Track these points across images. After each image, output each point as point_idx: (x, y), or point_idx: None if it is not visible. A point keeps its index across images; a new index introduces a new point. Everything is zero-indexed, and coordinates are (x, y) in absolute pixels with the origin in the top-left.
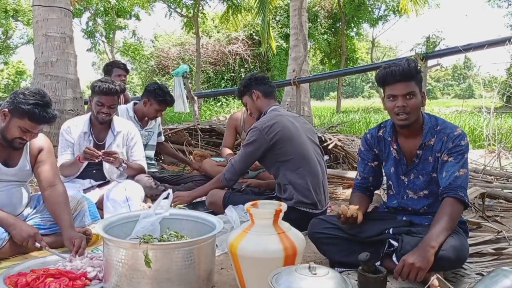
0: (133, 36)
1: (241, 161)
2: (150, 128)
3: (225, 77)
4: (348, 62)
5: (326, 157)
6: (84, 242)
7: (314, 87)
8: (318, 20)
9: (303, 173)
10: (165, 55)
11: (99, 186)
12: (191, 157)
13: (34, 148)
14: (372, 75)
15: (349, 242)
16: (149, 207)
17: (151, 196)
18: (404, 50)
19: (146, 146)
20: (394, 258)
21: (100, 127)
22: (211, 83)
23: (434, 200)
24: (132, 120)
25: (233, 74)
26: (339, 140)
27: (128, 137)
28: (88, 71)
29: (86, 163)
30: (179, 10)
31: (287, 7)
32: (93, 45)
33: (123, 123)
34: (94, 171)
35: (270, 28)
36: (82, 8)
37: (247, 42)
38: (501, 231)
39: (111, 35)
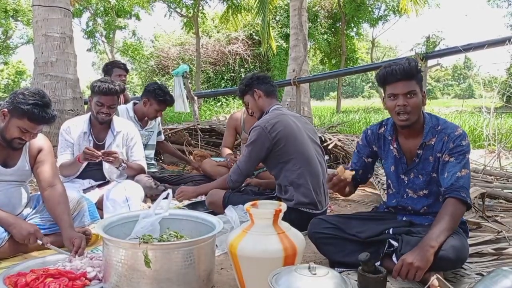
0: (133, 36)
1: (246, 161)
2: (150, 128)
3: (225, 77)
4: (348, 62)
5: (326, 157)
6: (84, 242)
7: (314, 87)
8: (318, 20)
9: (304, 173)
10: (165, 55)
11: (99, 186)
12: (191, 157)
13: (34, 148)
14: (372, 75)
15: (349, 242)
16: (149, 207)
17: (151, 196)
18: (404, 50)
19: (146, 146)
20: (394, 258)
21: (100, 127)
22: (211, 83)
23: (434, 200)
24: (132, 120)
25: (233, 74)
26: (339, 140)
27: (128, 137)
28: (88, 71)
29: (85, 163)
30: (179, 10)
31: (287, 7)
32: (93, 45)
33: (123, 123)
34: (94, 171)
35: (270, 28)
36: (82, 8)
37: (247, 42)
38: (501, 231)
39: (111, 35)
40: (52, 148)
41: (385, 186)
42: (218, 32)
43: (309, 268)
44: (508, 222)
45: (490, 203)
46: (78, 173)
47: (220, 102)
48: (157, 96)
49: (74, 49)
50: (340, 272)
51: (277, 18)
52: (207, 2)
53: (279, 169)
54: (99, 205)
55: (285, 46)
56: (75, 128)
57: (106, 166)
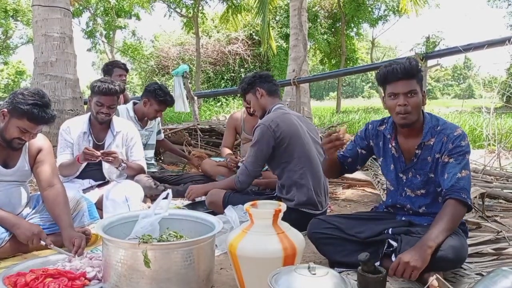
0: (133, 36)
1: (253, 162)
2: (150, 127)
3: (225, 77)
4: (348, 62)
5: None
6: (84, 242)
7: (314, 87)
8: (318, 20)
9: (305, 173)
10: (165, 55)
11: (99, 186)
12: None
13: (33, 148)
14: (372, 75)
15: (348, 242)
16: (149, 207)
17: (150, 196)
18: (404, 50)
19: (145, 145)
20: (393, 258)
21: (100, 127)
22: (211, 83)
23: (432, 200)
24: (132, 120)
25: (233, 74)
26: None
27: (128, 137)
28: (88, 71)
29: (85, 163)
30: (179, 10)
31: (287, 7)
32: (93, 45)
33: (123, 123)
34: (94, 171)
35: (270, 28)
36: (82, 8)
37: (247, 42)
38: (500, 231)
39: (111, 35)
40: (52, 148)
41: (384, 186)
42: (218, 32)
43: (308, 268)
44: (507, 222)
45: (490, 203)
46: (78, 173)
47: (220, 102)
48: (157, 97)
49: (74, 49)
50: (339, 272)
51: (277, 18)
52: (207, 2)
53: (282, 169)
54: (99, 205)
55: (285, 46)
56: (74, 128)
57: (105, 166)
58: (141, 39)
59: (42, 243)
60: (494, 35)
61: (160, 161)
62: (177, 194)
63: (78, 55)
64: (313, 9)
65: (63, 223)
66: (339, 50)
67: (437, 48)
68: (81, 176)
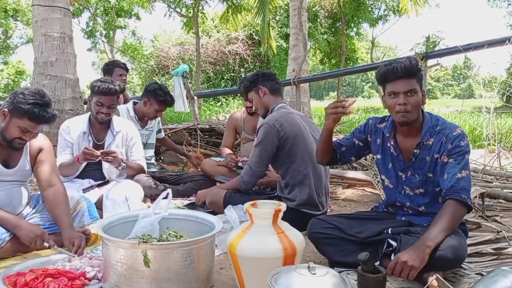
0: (132, 36)
1: (257, 161)
2: (150, 127)
3: (225, 77)
4: (348, 62)
5: None
6: (84, 242)
7: (314, 87)
8: (318, 20)
9: (309, 174)
10: (165, 55)
11: (99, 186)
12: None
13: (34, 148)
14: (372, 75)
15: (348, 242)
16: (148, 207)
17: (150, 196)
18: (404, 50)
19: (145, 144)
20: (393, 258)
21: (100, 127)
22: (211, 83)
23: (431, 200)
24: (132, 120)
25: (233, 74)
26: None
27: (128, 137)
28: (88, 71)
29: (85, 163)
30: (179, 10)
31: (287, 7)
32: (93, 45)
33: (123, 123)
34: (94, 171)
35: (270, 28)
36: (81, 8)
37: (247, 42)
38: (500, 231)
39: (111, 35)
40: (52, 148)
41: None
42: (218, 32)
43: (308, 268)
44: (507, 222)
45: (489, 203)
46: (78, 173)
47: (220, 102)
48: (158, 96)
49: (73, 48)
50: (339, 272)
51: (277, 18)
52: (207, 2)
53: (286, 169)
54: (99, 205)
55: (285, 46)
56: (74, 128)
57: (105, 166)
58: (141, 39)
59: (46, 244)
60: (494, 35)
61: (160, 161)
62: (177, 194)
63: (78, 55)
64: (313, 9)
65: (63, 223)
66: (339, 50)
67: (437, 48)
68: (81, 176)
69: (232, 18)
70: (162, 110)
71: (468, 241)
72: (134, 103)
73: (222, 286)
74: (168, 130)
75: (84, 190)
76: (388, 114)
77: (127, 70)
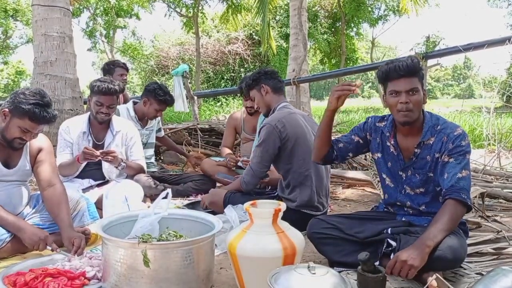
0: (132, 36)
1: (258, 162)
2: (150, 127)
3: (225, 77)
4: (348, 62)
5: None
6: (84, 242)
7: (314, 87)
8: (318, 20)
9: (310, 175)
10: (165, 54)
11: (98, 185)
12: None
13: (34, 148)
14: (372, 75)
15: (347, 242)
16: (148, 206)
17: (150, 196)
18: (404, 50)
19: (146, 144)
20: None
21: (99, 127)
22: (210, 83)
23: (432, 199)
24: (132, 120)
25: (233, 74)
26: None
27: (127, 136)
28: (88, 71)
29: (85, 163)
30: (178, 10)
31: (287, 7)
32: (93, 45)
33: (122, 122)
34: (93, 171)
35: (270, 28)
36: (81, 7)
37: (247, 42)
38: (500, 231)
39: (111, 35)
40: (52, 148)
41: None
42: (218, 32)
43: (308, 267)
44: (507, 222)
45: (490, 203)
46: (78, 173)
47: (220, 102)
48: (157, 96)
49: (73, 48)
50: (339, 272)
51: (277, 18)
52: (207, 2)
53: (287, 170)
54: (99, 205)
55: (285, 46)
56: (74, 128)
57: (105, 165)
58: (141, 39)
59: (48, 248)
60: (494, 35)
61: (160, 161)
62: (177, 194)
63: (78, 55)
64: (313, 9)
65: (62, 223)
66: (339, 50)
67: (437, 48)
68: (81, 175)
69: (232, 18)
70: (162, 109)
71: (468, 241)
72: (134, 103)
73: (222, 286)
74: (168, 130)
75: (84, 190)
76: (388, 113)
77: (127, 69)
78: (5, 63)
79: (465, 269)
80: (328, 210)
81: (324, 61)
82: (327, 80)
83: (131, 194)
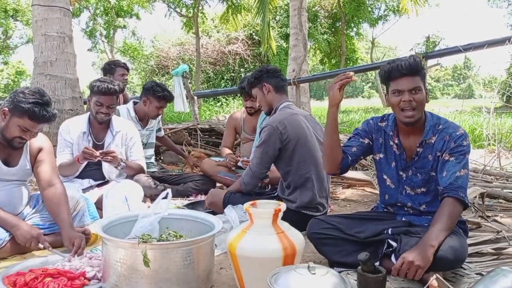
0: (132, 36)
1: (258, 163)
2: (150, 127)
3: (225, 77)
4: (348, 62)
5: None
6: (84, 242)
7: (314, 87)
8: (318, 20)
9: (311, 176)
10: (165, 55)
11: (98, 185)
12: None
13: (34, 147)
14: (372, 75)
15: (347, 242)
16: (148, 207)
17: (150, 196)
18: (404, 50)
19: (146, 144)
20: (393, 259)
21: (99, 127)
22: (210, 83)
23: (432, 199)
24: (133, 120)
25: (233, 74)
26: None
27: (127, 137)
28: (88, 71)
29: (85, 163)
30: (178, 10)
31: (287, 7)
32: (93, 45)
33: (122, 123)
34: (93, 171)
35: (270, 28)
36: (81, 7)
37: (247, 42)
38: (500, 231)
39: (111, 35)
40: (52, 148)
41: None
42: (218, 32)
43: (308, 267)
44: (507, 222)
45: (490, 203)
46: (78, 173)
47: (220, 102)
48: (156, 93)
49: (73, 48)
50: (339, 272)
51: (277, 18)
52: (207, 2)
53: (288, 171)
54: (99, 205)
55: (285, 46)
56: (74, 128)
57: (105, 165)
58: (141, 39)
59: (40, 246)
60: (494, 35)
61: (160, 161)
62: (177, 194)
63: (78, 55)
64: (313, 9)
65: (62, 223)
66: (339, 50)
67: (437, 48)
68: (81, 175)
69: (232, 18)
70: (163, 106)
71: (468, 241)
72: (134, 103)
73: (222, 286)
74: (168, 130)
75: (84, 190)
76: (387, 113)
77: (128, 69)
78: (5, 63)
79: (465, 269)
80: (328, 211)
81: (324, 61)
82: (327, 80)
83: (131, 194)
